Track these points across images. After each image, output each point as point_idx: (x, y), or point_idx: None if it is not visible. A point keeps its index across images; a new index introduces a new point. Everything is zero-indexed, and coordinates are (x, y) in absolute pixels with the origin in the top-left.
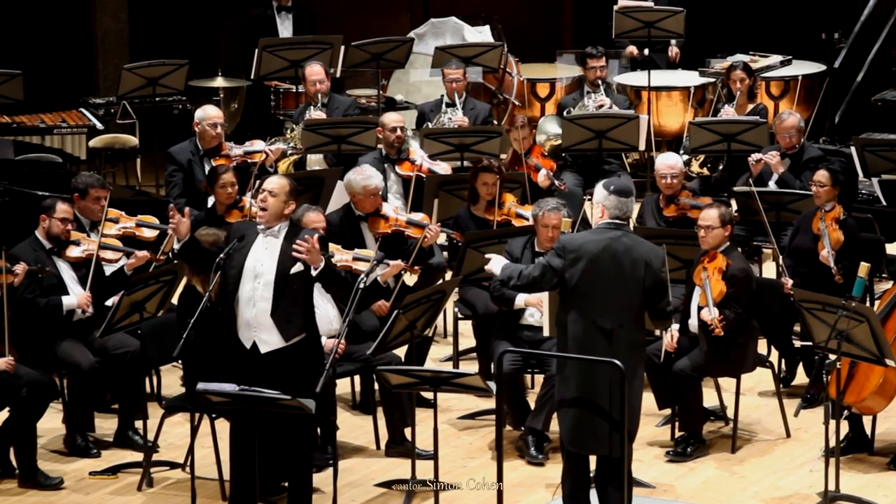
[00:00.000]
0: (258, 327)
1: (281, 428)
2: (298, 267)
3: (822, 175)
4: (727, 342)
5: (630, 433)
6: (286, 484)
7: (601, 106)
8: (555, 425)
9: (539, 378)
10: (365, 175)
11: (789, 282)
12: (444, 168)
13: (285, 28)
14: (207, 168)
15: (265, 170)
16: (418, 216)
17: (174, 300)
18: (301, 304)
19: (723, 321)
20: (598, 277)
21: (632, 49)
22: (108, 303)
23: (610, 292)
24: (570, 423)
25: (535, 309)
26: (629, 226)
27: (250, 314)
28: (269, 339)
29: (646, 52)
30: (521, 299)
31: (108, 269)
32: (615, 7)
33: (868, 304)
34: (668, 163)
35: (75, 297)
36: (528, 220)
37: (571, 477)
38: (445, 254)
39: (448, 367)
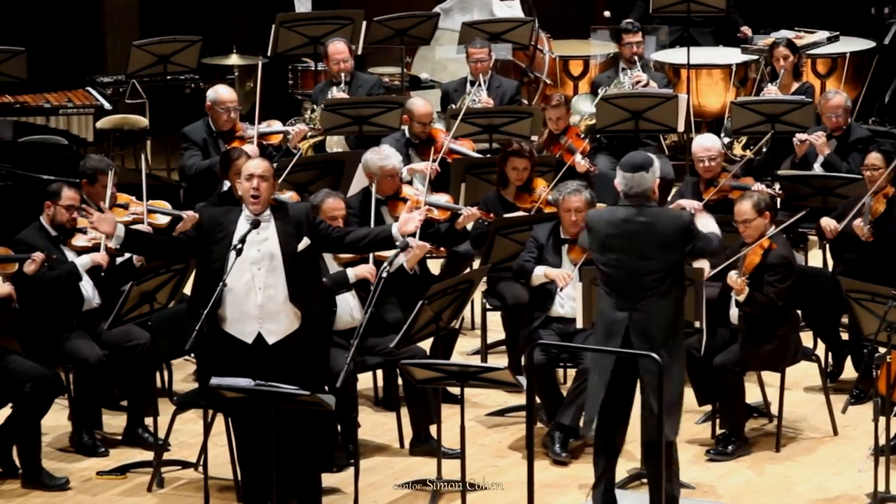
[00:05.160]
0: (265, 317)
1: (290, 424)
2: (305, 242)
3: (874, 158)
4: (763, 331)
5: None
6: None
7: (638, 82)
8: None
9: (571, 372)
10: (382, 155)
11: (865, 228)
12: (467, 145)
13: (302, 3)
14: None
15: (289, 152)
16: (443, 198)
17: (186, 290)
18: (315, 279)
19: (751, 296)
20: (615, 258)
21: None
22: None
23: (627, 273)
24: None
25: (568, 298)
26: (649, 201)
27: (252, 305)
28: (278, 327)
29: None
30: (539, 271)
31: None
32: None
33: None
34: (704, 145)
35: (88, 256)
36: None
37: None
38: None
39: (476, 360)
